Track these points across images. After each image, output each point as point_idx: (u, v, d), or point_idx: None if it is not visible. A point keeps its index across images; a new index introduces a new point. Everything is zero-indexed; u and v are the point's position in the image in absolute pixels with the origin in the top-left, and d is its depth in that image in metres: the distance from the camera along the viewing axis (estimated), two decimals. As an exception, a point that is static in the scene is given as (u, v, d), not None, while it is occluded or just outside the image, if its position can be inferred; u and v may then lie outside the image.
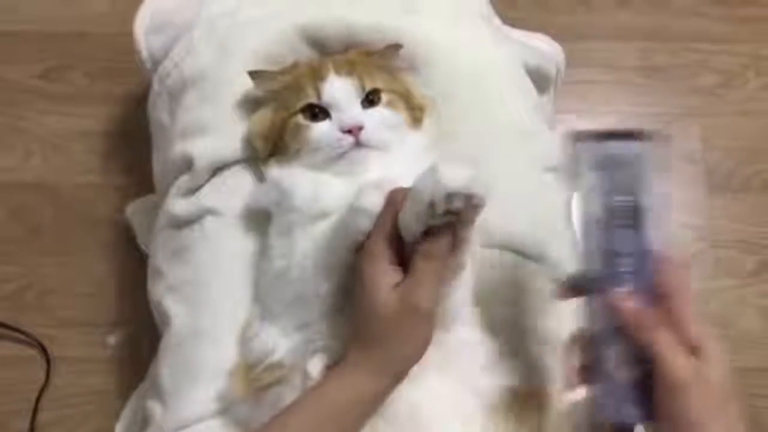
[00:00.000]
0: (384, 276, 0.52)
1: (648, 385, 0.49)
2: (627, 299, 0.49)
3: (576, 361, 0.52)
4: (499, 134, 0.75)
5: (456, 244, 0.53)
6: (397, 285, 0.52)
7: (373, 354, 0.53)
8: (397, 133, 0.66)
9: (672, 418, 0.47)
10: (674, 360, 0.47)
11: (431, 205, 0.48)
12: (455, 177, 0.47)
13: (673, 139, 0.53)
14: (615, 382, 0.50)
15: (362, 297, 0.53)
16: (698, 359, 0.47)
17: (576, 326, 0.52)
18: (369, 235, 0.54)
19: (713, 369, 0.47)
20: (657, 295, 0.50)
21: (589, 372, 0.51)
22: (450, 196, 0.48)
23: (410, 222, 0.51)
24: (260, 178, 0.70)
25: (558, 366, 0.65)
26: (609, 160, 0.51)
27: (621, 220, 0.50)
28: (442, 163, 0.49)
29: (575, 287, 0.53)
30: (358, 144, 0.63)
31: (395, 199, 0.53)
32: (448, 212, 0.49)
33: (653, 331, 0.48)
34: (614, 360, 0.50)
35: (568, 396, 0.53)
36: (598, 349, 0.50)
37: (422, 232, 0.51)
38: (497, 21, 0.85)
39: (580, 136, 0.51)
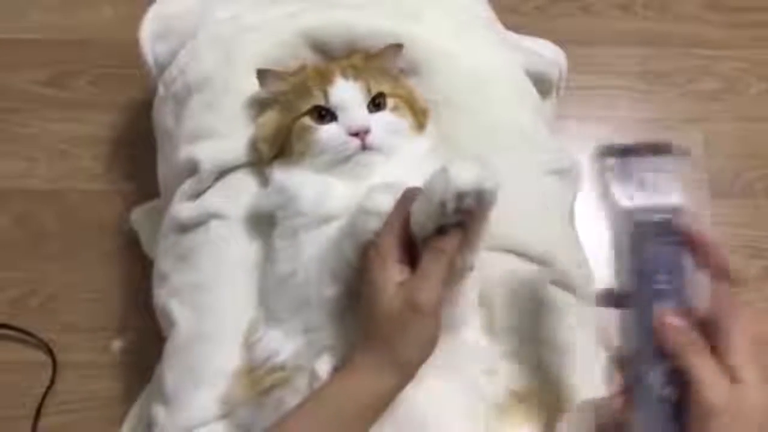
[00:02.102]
0: (390, 274, 0.52)
1: (685, 408, 0.45)
2: (670, 316, 0.47)
3: (617, 383, 0.49)
4: (500, 139, 0.75)
5: (466, 243, 0.53)
6: (403, 284, 0.52)
7: (378, 354, 0.53)
8: (402, 137, 0.67)
9: None
10: (712, 387, 0.44)
11: (443, 204, 0.49)
12: (465, 176, 0.48)
13: (692, 153, 0.50)
14: (656, 406, 0.47)
15: (368, 296, 0.54)
16: (736, 388, 0.44)
17: (613, 344, 0.50)
18: (378, 234, 0.54)
19: (750, 399, 0.44)
20: (700, 315, 0.47)
21: (630, 394, 0.48)
22: (461, 196, 0.48)
23: (422, 221, 0.51)
24: (265, 181, 0.70)
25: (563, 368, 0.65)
26: (643, 175, 0.49)
27: (657, 236, 0.48)
28: (452, 162, 0.49)
29: (611, 302, 0.50)
30: (364, 147, 0.63)
31: (407, 199, 0.53)
32: (459, 211, 0.49)
33: (695, 353, 0.45)
34: (655, 382, 0.47)
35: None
36: (638, 370, 0.47)
37: (433, 231, 0.51)
38: (499, 26, 0.86)
39: (610, 152, 0.49)
